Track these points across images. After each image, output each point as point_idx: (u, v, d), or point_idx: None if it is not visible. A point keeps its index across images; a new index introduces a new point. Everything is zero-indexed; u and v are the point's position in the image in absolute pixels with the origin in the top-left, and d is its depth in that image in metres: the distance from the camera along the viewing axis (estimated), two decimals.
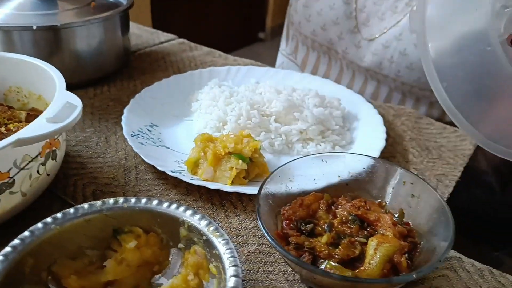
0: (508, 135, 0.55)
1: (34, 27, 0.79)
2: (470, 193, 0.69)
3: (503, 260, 0.60)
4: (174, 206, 0.49)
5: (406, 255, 0.47)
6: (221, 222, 0.59)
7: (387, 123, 0.81)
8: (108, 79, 0.94)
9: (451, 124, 1.02)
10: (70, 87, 0.61)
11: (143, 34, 1.20)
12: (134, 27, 1.23)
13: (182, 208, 0.48)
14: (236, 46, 3.95)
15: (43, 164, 0.56)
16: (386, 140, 0.73)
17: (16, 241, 0.44)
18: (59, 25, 0.81)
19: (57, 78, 0.62)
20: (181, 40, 1.17)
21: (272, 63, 1.18)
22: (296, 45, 1.21)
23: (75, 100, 0.57)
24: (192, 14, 3.44)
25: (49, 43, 0.83)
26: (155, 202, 0.49)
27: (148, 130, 0.74)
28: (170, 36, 1.19)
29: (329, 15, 1.05)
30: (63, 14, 0.86)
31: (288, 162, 0.56)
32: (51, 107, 0.55)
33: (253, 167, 0.65)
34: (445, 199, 0.63)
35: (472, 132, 0.55)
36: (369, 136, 0.74)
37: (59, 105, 0.55)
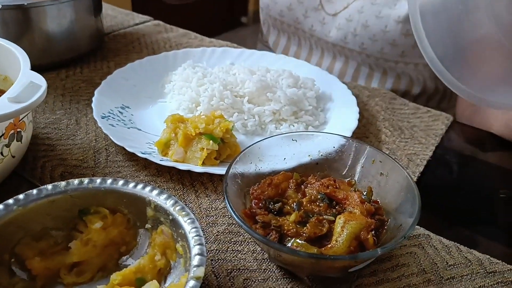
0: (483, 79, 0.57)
1: (0, 6, 0.77)
2: (441, 172, 0.70)
3: (474, 238, 0.61)
4: (140, 186, 0.48)
5: (373, 232, 0.47)
6: (191, 203, 0.58)
7: (361, 104, 0.81)
8: (81, 60, 0.93)
9: (421, 101, 1.03)
10: (40, 69, 0.60)
11: (117, 16, 1.18)
12: (108, 8, 1.21)
13: (148, 188, 0.48)
14: (219, 31, 3.91)
15: (7, 145, 0.55)
16: (359, 120, 0.73)
17: None
18: (26, 4, 0.79)
19: (21, 58, 0.60)
20: (157, 22, 1.15)
21: (254, 48, 1.17)
22: (268, 29, 1.22)
23: (40, 80, 0.56)
24: None
25: (17, 23, 0.81)
26: (121, 182, 0.48)
27: (120, 112, 0.73)
28: (145, 17, 1.17)
29: None
30: None
31: (257, 142, 0.56)
32: (14, 87, 0.53)
33: (225, 148, 0.64)
34: (414, 178, 0.64)
35: (455, 84, 0.55)
36: (342, 117, 0.74)
37: (22, 85, 0.54)
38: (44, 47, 0.86)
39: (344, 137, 0.58)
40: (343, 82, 0.83)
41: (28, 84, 0.54)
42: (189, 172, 0.62)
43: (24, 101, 0.52)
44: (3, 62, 0.65)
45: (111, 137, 0.63)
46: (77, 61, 0.92)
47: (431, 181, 0.67)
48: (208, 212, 0.57)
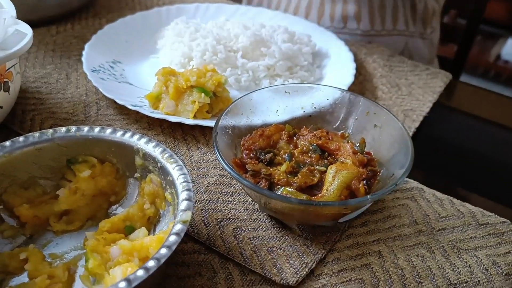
0: None
1: None
2: (437, 128, 0.69)
3: (468, 193, 0.61)
4: (128, 134, 0.47)
5: (365, 182, 0.47)
6: (182, 155, 0.58)
7: (359, 61, 0.79)
8: (72, 16, 0.90)
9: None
10: (31, 24, 0.58)
11: None
12: None
13: (136, 136, 0.47)
14: None
15: None
16: (356, 77, 0.72)
17: None
18: None
19: (6, 5, 0.58)
20: None
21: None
22: None
23: (25, 28, 0.54)
24: None
25: None
26: (109, 130, 0.47)
27: (111, 67, 0.71)
28: None
29: None
30: None
31: (249, 93, 0.54)
32: None
33: (217, 101, 0.63)
34: (410, 133, 0.63)
35: None
36: (338, 73, 0.72)
37: (7, 32, 0.52)
38: (34, 2, 0.83)
39: (339, 89, 0.56)
40: (340, 39, 0.81)
41: (13, 32, 0.53)
42: (180, 125, 0.61)
43: (9, 49, 0.51)
44: None
45: (101, 90, 0.62)
46: (68, 17, 0.90)
47: (427, 137, 0.66)
48: (199, 164, 0.56)
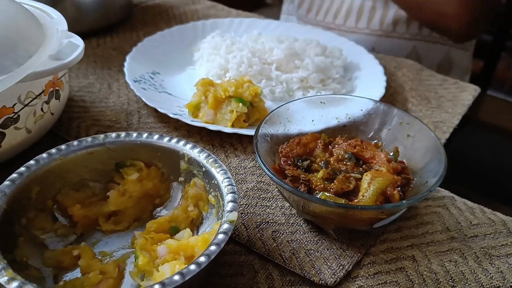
0: None
1: None
2: (467, 140, 0.70)
3: (498, 203, 0.62)
4: (174, 140, 0.50)
5: (399, 188, 0.48)
6: (221, 162, 0.60)
7: (388, 74, 0.81)
8: (111, 30, 0.95)
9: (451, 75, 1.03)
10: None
11: None
12: None
13: (182, 142, 0.50)
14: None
15: (47, 102, 0.57)
16: (386, 89, 0.74)
17: (22, 168, 0.45)
18: None
19: (58, 19, 0.62)
20: None
21: None
22: None
23: (77, 40, 0.58)
24: None
25: None
26: (156, 136, 0.50)
27: (151, 77, 0.75)
28: None
29: None
30: None
31: (286, 103, 0.57)
32: (53, 44, 0.55)
33: (254, 111, 0.66)
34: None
35: None
36: (369, 85, 0.74)
37: (62, 43, 0.56)
38: (76, 16, 0.88)
39: (372, 100, 0.58)
40: (370, 52, 0.83)
41: (66, 43, 0.57)
42: (219, 133, 0.64)
43: (63, 59, 0.54)
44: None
45: (143, 99, 0.66)
46: (107, 30, 0.94)
47: (457, 148, 0.68)
48: (237, 170, 0.59)
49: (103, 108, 0.70)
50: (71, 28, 0.62)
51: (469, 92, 0.78)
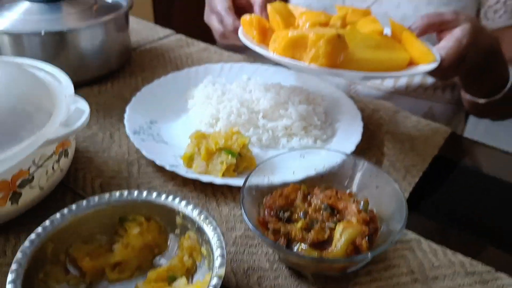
0: None
1: (43, 33, 0.86)
2: (436, 182, 0.77)
3: (462, 243, 0.69)
4: (170, 198, 0.57)
5: (367, 238, 0.56)
6: (213, 210, 0.67)
7: (366, 118, 0.89)
8: (112, 76, 1.02)
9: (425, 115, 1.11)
10: (76, 85, 0.69)
11: (142, 30, 1.27)
12: (134, 22, 1.29)
13: (177, 200, 0.57)
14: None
15: (57, 161, 0.65)
16: (364, 133, 0.81)
17: (39, 229, 0.52)
18: (65, 30, 0.89)
19: (66, 83, 0.69)
20: (179, 36, 1.24)
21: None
22: None
23: (83, 105, 0.65)
24: (193, 8, 3.47)
25: (55, 46, 0.90)
26: (154, 194, 0.58)
27: (149, 127, 0.82)
28: (168, 31, 1.26)
29: None
30: (68, 17, 0.93)
31: (269, 158, 0.64)
32: (63, 111, 0.63)
33: (242, 161, 0.73)
34: (410, 188, 0.72)
35: None
36: (348, 131, 0.82)
37: (70, 110, 0.63)
38: (79, 66, 0.95)
39: (345, 153, 0.66)
40: (349, 97, 0.91)
41: (74, 109, 0.64)
42: (210, 183, 0.71)
43: (72, 125, 0.62)
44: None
45: (142, 152, 0.73)
46: (108, 76, 1.01)
47: (427, 190, 0.75)
48: (227, 218, 0.66)
49: (106, 158, 0.77)
50: (75, 77, 0.69)
51: (440, 134, 0.85)
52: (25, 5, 0.94)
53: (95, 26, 0.93)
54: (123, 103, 0.89)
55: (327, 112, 0.88)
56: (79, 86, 0.93)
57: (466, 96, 0.96)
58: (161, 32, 1.26)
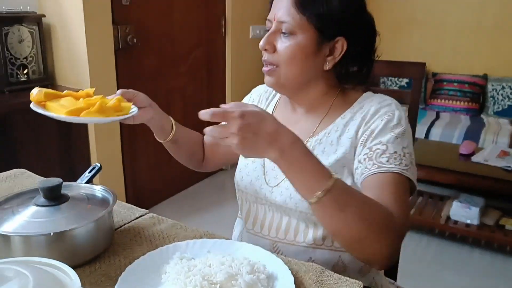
0: None
1: (52, 234, 1.14)
2: None
3: None
4: None
5: None
6: None
7: (299, 278, 1.17)
8: (99, 257, 1.28)
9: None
10: (73, 267, 0.95)
11: (121, 211, 1.56)
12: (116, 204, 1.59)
13: None
14: (202, 176, 4.41)
15: None
16: None
17: None
18: (68, 229, 1.17)
19: (73, 275, 0.96)
20: (151, 214, 1.53)
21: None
22: (241, 202, 1.62)
23: None
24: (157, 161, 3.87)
25: (60, 243, 1.18)
26: None
27: None
28: (142, 211, 1.55)
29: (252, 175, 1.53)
30: (69, 218, 1.22)
31: None
32: None
33: None
34: None
35: None
36: None
37: None
38: (74, 254, 1.21)
39: None
40: (285, 263, 1.20)
41: None
42: None
43: None
44: None
45: None
46: (96, 258, 1.28)
47: None
48: None
49: None
50: (72, 263, 0.94)
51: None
52: (32, 209, 1.23)
53: (91, 223, 1.22)
54: (110, 281, 1.15)
55: (269, 277, 1.16)
56: (74, 268, 1.18)
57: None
58: (137, 212, 1.56)
